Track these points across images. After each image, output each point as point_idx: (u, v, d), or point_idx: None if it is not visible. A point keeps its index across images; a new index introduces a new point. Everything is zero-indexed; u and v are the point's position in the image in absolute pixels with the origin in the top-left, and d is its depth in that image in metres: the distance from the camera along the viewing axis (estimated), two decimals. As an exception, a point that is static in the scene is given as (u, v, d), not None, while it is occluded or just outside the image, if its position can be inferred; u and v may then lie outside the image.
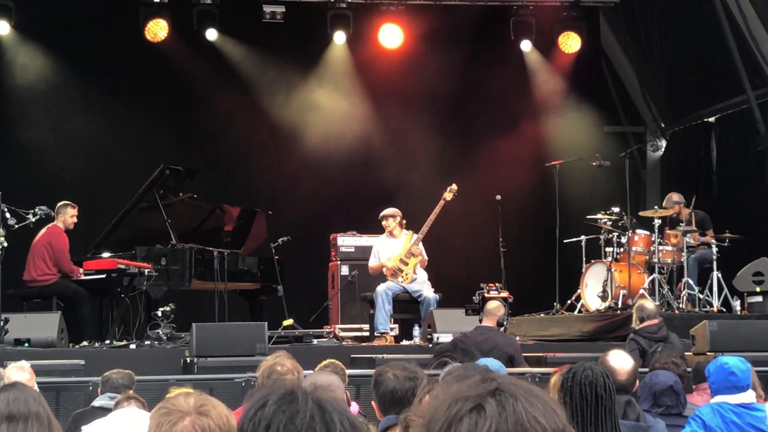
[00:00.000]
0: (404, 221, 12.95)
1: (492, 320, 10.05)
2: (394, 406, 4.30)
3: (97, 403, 6.68)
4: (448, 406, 1.69)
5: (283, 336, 12.19)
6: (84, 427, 4.58)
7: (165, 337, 11.59)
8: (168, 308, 11.83)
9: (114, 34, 15.55)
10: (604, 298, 12.88)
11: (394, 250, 12.69)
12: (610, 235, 13.09)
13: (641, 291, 12.70)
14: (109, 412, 4.89)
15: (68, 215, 12.09)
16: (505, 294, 12.52)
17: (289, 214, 15.27)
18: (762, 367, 8.11)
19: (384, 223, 12.86)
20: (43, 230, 11.95)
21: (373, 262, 12.88)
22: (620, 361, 5.27)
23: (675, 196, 13.70)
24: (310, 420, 1.84)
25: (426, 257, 12.71)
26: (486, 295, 12.01)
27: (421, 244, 12.65)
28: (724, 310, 12.85)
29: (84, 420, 5.70)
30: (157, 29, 15.31)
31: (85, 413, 6.49)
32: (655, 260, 12.80)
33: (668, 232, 13.35)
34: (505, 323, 10.77)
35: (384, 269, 12.63)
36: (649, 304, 10.10)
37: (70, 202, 12.22)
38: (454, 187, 12.89)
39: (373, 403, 4.47)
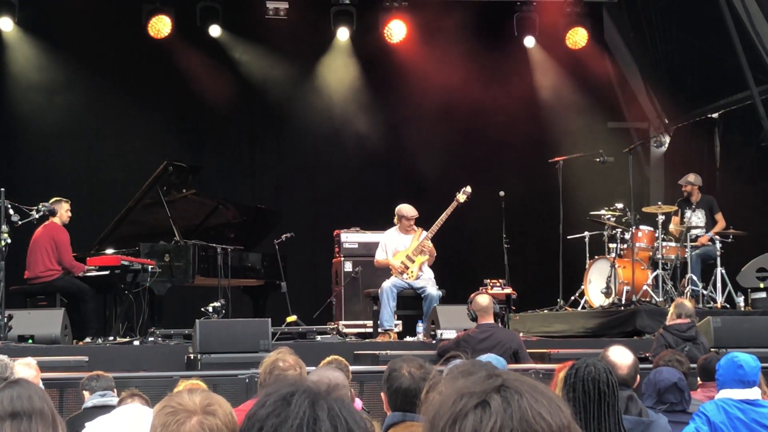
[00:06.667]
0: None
1: (489, 316, 9.86)
2: (405, 404, 4.25)
3: (89, 403, 6.58)
4: (453, 402, 1.68)
5: (286, 332, 12.20)
6: (88, 423, 4.57)
7: None
8: (218, 304, 11.76)
9: (117, 31, 15.54)
10: (607, 294, 12.89)
11: (402, 246, 12.61)
12: (614, 231, 13.09)
13: (645, 287, 12.71)
14: (105, 411, 4.87)
15: (63, 210, 12.03)
16: (508, 290, 12.51)
17: (293, 211, 15.28)
18: (766, 363, 8.10)
19: (404, 221, 12.64)
20: (41, 228, 11.87)
21: (380, 256, 12.74)
22: (620, 355, 5.28)
23: (691, 177, 13.76)
24: (298, 429, 1.81)
25: (435, 253, 12.60)
26: (490, 291, 11.96)
27: (429, 242, 12.56)
28: (728, 306, 12.84)
29: (78, 423, 5.61)
30: (161, 26, 15.30)
31: (78, 417, 6.38)
32: (659, 256, 12.81)
33: (674, 219, 13.37)
34: (498, 311, 10.55)
35: (390, 266, 12.57)
36: (688, 303, 10.00)
37: (62, 198, 12.12)
38: (468, 189, 12.59)
39: (382, 394, 4.43)
